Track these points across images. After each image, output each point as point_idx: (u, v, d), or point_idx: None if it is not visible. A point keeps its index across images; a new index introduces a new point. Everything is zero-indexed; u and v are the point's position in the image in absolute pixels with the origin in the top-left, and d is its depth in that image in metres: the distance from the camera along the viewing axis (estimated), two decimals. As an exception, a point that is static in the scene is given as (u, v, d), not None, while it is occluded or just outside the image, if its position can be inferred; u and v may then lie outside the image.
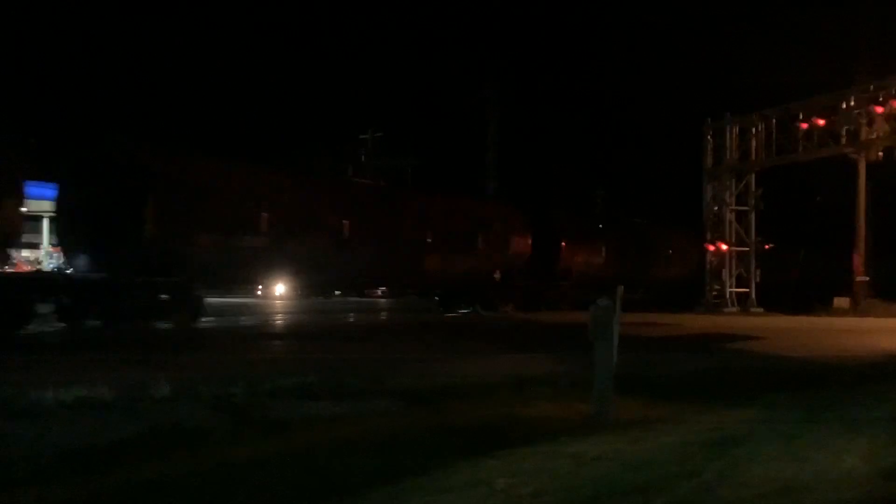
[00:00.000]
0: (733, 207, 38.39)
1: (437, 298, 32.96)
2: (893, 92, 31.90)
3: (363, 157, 53.19)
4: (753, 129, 37.34)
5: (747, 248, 38.08)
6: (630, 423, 7.75)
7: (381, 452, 6.57)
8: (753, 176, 38.11)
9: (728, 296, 37.98)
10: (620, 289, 10.00)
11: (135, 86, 47.25)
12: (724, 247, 38.10)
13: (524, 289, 33.60)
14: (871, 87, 32.81)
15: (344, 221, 26.27)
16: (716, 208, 38.88)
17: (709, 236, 38.73)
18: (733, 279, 38.20)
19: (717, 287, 38.42)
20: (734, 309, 37.20)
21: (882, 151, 32.99)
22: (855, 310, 32.92)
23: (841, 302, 34.46)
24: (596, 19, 58.24)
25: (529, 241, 33.46)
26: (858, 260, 34.49)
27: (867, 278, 34.39)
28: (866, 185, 34.31)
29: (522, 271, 33.45)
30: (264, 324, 24.76)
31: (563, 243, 34.92)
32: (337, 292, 34.07)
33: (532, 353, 14.57)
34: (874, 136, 32.87)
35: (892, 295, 33.25)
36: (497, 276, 32.58)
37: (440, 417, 8.10)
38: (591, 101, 55.17)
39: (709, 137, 38.95)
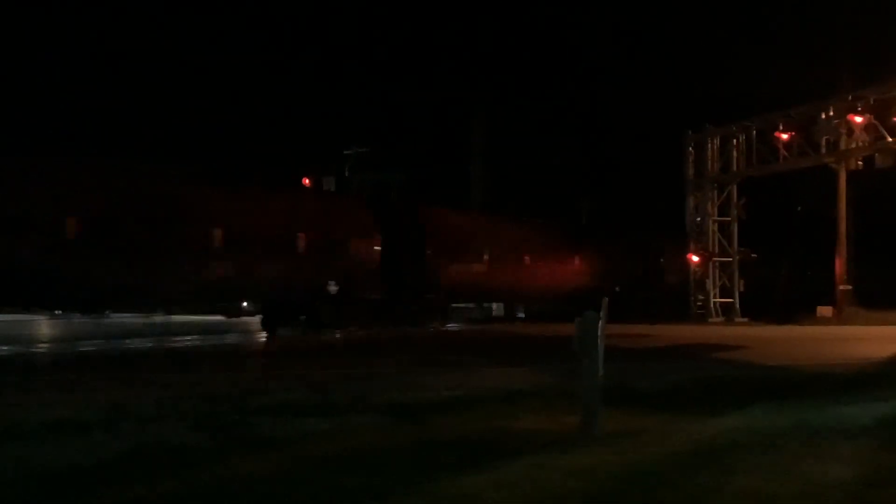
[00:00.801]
0: (716, 218, 38.63)
1: (260, 316, 28.02)
2: (872, 102, 32.23)
3: (347, 172, 53.10)
4: (734, 140, 37.64)
5: (730, 259, 38.29)
6: (617, 434, 7.75)
7: (368, 468, 6.55)
8: (735, 186, 38.36)
9: (712, 306, 38.14)
10: (605, 300, 10.03)
11: (113, 98, 47.04)
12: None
13: (370, 304, 28.56)
14: (850, 97, 33.13)
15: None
16: (698, 219, 39.10)
17: (691, 246, 38.92)
18: (717, 289, 38.38)
19: (701, 298, 38.58)
20: (719, 319, 37.36)
21: (862, 161, 33.31)
22: (838, 318, 33.14)
23: (824, 310, 34.68)
24: (579, 32, 58.59)
25: (376, 246, 28.85)
26: (840, 268, 34.74)
27: (849, 287, 34.64)
28: (847, 194, 34.61)
29: (370, 282, 28.48)
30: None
31: (430, 249, 30.40)
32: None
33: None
34: (854, 145, 33.19)
35: (874, 303, 33.47)
36: (332, 288, 27.20)
37: (428, 431, 8.08)
38: (574, 113, 55.39)
39: (690, 149, 39.24)
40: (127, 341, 22.82)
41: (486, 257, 32.96)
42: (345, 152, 54.45)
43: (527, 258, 34.91)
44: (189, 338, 24.28)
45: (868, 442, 7.06)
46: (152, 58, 50.03)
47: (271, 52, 56.79)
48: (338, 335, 25.93)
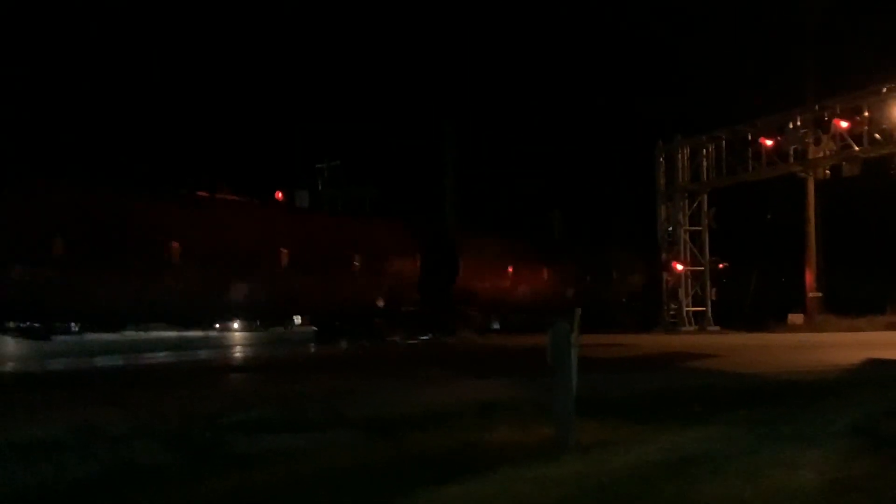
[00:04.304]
0: (687, 227, 38.95)
1: (315, 329, 30.67)
2: (839, 111, 32.66)
3: (320, 186, 53.02)
4: (704, 151, 38.01)
5: (702, 268, 38.61)
6: (591, 445, 7.79)
7: (343, 484, 6.54)
8: (706, 196, 38.72)
9: (685, 315, 38.41)
10: (578, 311, 10.07)
11: (83, 114, 46.61)
12: (680, 267, 38.60)
13: (412, 316, 30.77)
14: (817, 107, 33.58)
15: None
16: (670, 228, 39.42)
17: (664, 256, 39.20)
18: (689, 298, 38.67)
19: (673, 307, 38.85)
20: (691, 328, 37.62)
21: (829, 169, 33.72)
22: (809, 325, 33.47)
23: (795, 318, 35.02)
24: (548, 44, 58.94)
25: (417, 262, 31.04)
26: (810, 276, 35.14)
27: (820, 294, 35.02)
28: (815, 203, 35.04)
29: (410, 296, 30.72)
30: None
31: (463, 263, 32.53)
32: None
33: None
34: (821, 154, 33.59)
35: (844, 310, 33.86)
36: (380, 303, 29.59)
37: (402, 446, 8.08)
38: (545, 126, 55.66)
39: (661, 159, 39.58)
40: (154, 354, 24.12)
41: (510, 271, 35.46)
42: (317, 166, 54.33)
43: (499, 271, 35.13)
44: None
45: (837, 449, 7.15)
46: (123, 72, 49.73)
47: (243, 65, 56.63)
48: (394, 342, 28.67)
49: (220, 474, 6.99)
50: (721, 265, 39.71)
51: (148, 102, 49.91)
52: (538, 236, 42.19)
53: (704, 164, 37.99)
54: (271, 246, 26.15)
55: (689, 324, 38.06)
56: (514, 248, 36.95)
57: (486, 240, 36.54)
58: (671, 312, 38.85)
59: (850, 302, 34.47)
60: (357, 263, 28.50)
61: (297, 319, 32.65)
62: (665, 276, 39.19)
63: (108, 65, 48.77)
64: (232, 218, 25.91)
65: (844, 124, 32.30)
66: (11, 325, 22.78)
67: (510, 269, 35.76)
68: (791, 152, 34.49)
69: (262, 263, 25.71)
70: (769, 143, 34.72)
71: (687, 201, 38.91)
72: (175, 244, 23.46)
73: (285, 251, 26.25)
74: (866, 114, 31.69)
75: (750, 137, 35.60)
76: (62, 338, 25.35)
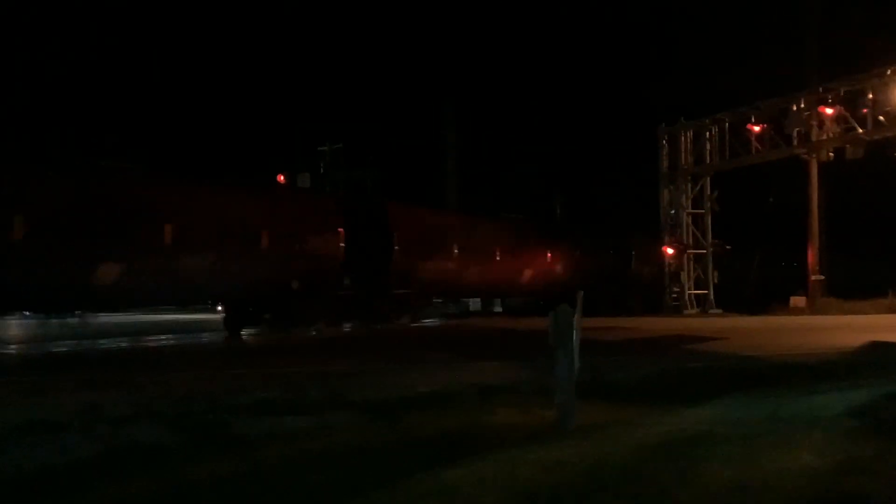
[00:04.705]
0: (689, 211, 38.90)
1: (223, 315, 26.41)
2: (842, 93, 32.54)
3: (322, 169, 52.99)
4: (707, 134, 37.90)
5: (704, 251, 38.59)
6: (592, 427, 7.80)
7: (344, 466, 6.55)
8: (708, 179, 38.64)
9: (687, 298, 38.41)
10: (580, 294, 10.07)
11: (78, 96, 46.53)
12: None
13: (335, 300, 27.13)
14: (821, 89, 33.44)
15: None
16: (672, 212, 39.36)
17: (666, 239, 39.17)
18: (692, 281, 38.66)
19: (676, 290, 38.85)
20: (693, 311, 37.63)
21: (832, 152, 33.62)
22: (811, 308, 33.48)
23: (797, 301, 35.03)
24: (551, 27, 58.71)
25: (342, 240, 27.05)
26: (813, 259, 35.10)
27: (822, 277, 35.01)
28: (819, 186, 34.96)
29: (334, 278, 26.99)
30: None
31: (400, 245, 28.95)
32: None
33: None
34: (824, 137, 33.49)
35: (846, 293, 33.87)
36: (295, 285, 25.53)
37: (403, 428, 8.09)
38: (547, 109, 55.54)
39: (664, 142, 39.47)
40: (101, 342, 22.62)
41: (457, 253, 31.85)
42: (319, 149, 54.30)
43: (500, 254, 34.39)
44: (162, 337, 24.02)
45: (840, 431, 7.15)
46: (123, 57, 49.63)
47: (246, 50, 56.47)
48: (313, 332, 25.44)
49: (222, 454, 6.99)
50: (724, 248, 39.67)
51: (152, 88, 49.85)
52: (538, 219, 41.91)
53: (707, 147, 37.89)
54: (153, 221, 21.64)
55: (692, 307, 38.06)
56: (512, 230, 36.02)
57: (440, 217, 33.98)
58: (673, 296, 38.85)
59: (852, 285, 34.48)
60: (266, 242, 24.35)
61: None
62: (667, 259, 39.17)
63: (112, 50, 48.67)
64: (98, 188, 21.08)
65: (848, 107, 32.20)
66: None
67: (505, 252, 34.43)
68: (794, 135, 34.39)
69: (140, 241, 21.30)
70: (772, 125, 34.62)
71: (690, 184, 38.84)
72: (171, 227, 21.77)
73: (168, 227, 21.76)
74: (870, 96, 31.58)
75: (753, 120, 35.48)
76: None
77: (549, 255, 37.01)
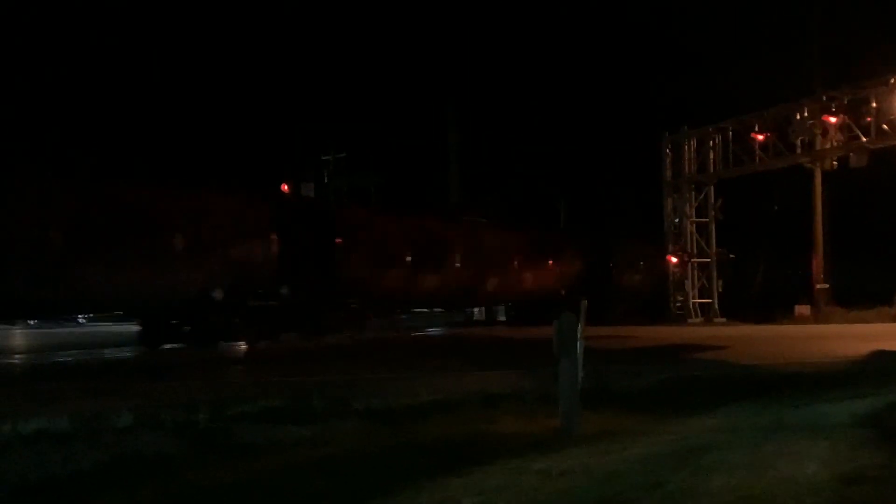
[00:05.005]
0: (693, 219, 38.86)
1: (139, 329, 24.30)
2: (846, 102, 32.51)
3: (326, 177, 53.13)
4: (710, 142, 37.89)
5: (708, 260, 38.55)
6: (597, 436, 7.78)
7: (346, 474, 6.54)
8: (712, 187, 38.61)
9: (691, 307, 38.35)
10: (584, 302, 10.05)
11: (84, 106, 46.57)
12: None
13: (266, 311, 24.54)
14: (824, 97, 33.42)
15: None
16: (676, 220, 39.33)
17: (670, 248, 39.15)
18: (696, 290, 38.60)
19: (680, 298, 38.80)
20: (697, 320, 37.56)
21: (836, 160, 33.59)
22: (816, 317, 33.38)
23: (802, 309, 34.93)
24: (553, 33, 58.78)
25: (273, 245, 24.65)
26: (817, 267, 35.03)
27: (827, 286, 34.92)
28: (823, 194, 34.92)
29: (266, 287, 24.58)
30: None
31: (345, 248, 26.81)
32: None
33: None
34: (828, 145, 33.45)
35: (851, 301, 33.78)
36: (219, 294, 22.99)
37: (407, 436, 8.07)
38: (550, 115, 55.54)
39: (667, 150, 39.46)
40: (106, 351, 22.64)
41: (411, 260, 29.43)
42: (323, 157, 54.41)
43: (460, 260, 31.63)
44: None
45: (845, 440, 7.12)
46: (129, 66, 49.74)
47: (248, 57, 56.57)
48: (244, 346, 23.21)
49: (225, 463, 6.98)
50: (727, 256, 39.62)
51: (153, 96, 49.93)
52: (536, 226, 40.68)
53: (711, 155, 37.86)
54: (44, 222, 19.84)
55: (696, 315, 38.00)
56: (442, 230, 32.54)
57: (394, 221, 31.20)
58: (677, 304, 38.80)
59: (857, 294, 34.38)
60: (182, 246, 22.08)
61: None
62: (671, 267, 39.13)
63: (113, 58, 48.76)
64: None
65: (852, 115, 32.16)
66: None
67: (450, 256, 31.41)
68: (798, 143, 34.35)
69: (29, 243, 19.53)
70: (776, 134, 34.61)
71: (693, 192, 38.81)
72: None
73: (62, 227, 19.90)
74: (874, 104, 31.54)
75: (757, 128, 35.46)
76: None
77: (518, 260, 35.05)
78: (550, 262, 36.76)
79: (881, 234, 41.26)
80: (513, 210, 46.60)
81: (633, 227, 43.99)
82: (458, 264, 31.56)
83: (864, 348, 17.71)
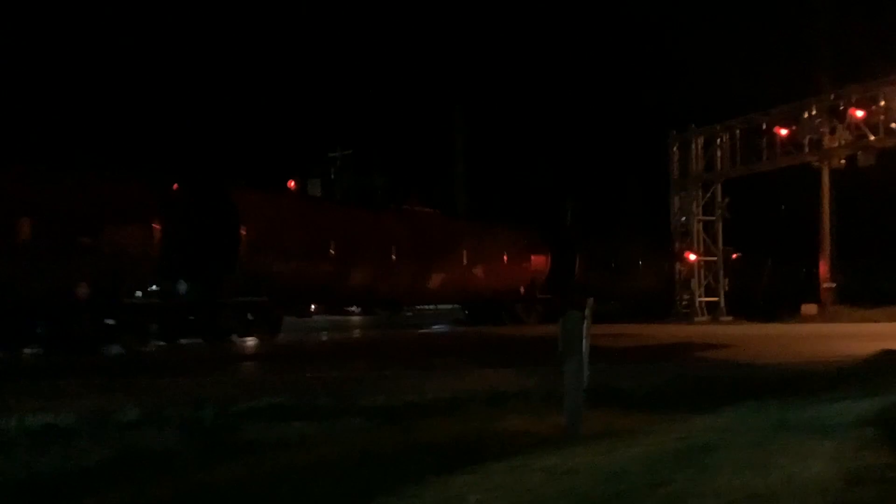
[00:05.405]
0: (700, 217, 38.79)
1: None
2: (854, 100, 32.40)
3: (332, 174, 53.13)
4: (718, 140, 37.82)
5: (715, 258, 38.49)
6: (602, 434, 7.77)
7: (352, 472, 6.55)
8: (719, 186, 38.54)
9: (697, 305, 38.30)
10: (590, 300, 10.05)
11: (91, 100, 46.64)
12: (693, 257, 38.50)
13: (147, 311, 21.68)
14: (832, 96, 33.32)
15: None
16: (683, 219, 39.27)
17: (677, 246, 39.10)
18: (702, 289, 38.55)
19: (686, 297, 38.75)
20: (704, 318, 37.51)
21: (844, 159, 33.49)
22: (822, 316, 33.32)
23: (809, 308, 34.87)
24: (560, 33, 58.76)
25: (154, 234, 21.03)
26: (824, 267, 34.96)
27: (833, 284, 34.85)
28: (830, 193, 34.83)
29: (146, 283, 21.71)
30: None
31: (249, 238, 23.29)
32: None
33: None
34: (836, 144, 33.36)
35: (858, 300, 33.72)
36: (83, 291, 19.33)
37: (412, 434, 8.08)
38: (557, 115, 55.54)
39: (675, 149, 39.40)
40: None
41: (335, 253, 26.17)
42: (329, 154, 54.45)
43: (395, 254, 28.69)
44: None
45: (850, 440, 7.09)
46: (136, 63, 49.82)
47: (256, 55, 56.67)
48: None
49: (231, 460, 7.00)
50: (734, 255, 39.54)
51: (160, 93, 50.04)
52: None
53: (718, 153, 37.80)
54: None
55: (702, 314, 37.95)
56: (374, 221, 29.64)
57: (312, 208, 28.41)
58: (684, 303, 38.75)
59: (864, 293, 34.33)
60: (28, 233, 18.48)
61: None
62: (678, 266, 39.07)
63: (119, 55, 48.89)
64: None
65: (860, 113, 32.05)
66: None
67: (383, 249, 28.43)
68: (806, 142, 34.27)
69: None
70: (784, 132, 34.53)
71: (700, 191, 38.74)
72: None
73: None
74: (882, 103, 31.44)
75: (764, 127, 35.40)
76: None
77: (470, 255, 32.07)
78: (507, 257, 34.13)
79: (889, 233, 41.19)
80: (518, 210, 46.56)
81: (638, 225, 43.93)
82: (393, 257, 28.59)
83: (870, 347, 17.60)
